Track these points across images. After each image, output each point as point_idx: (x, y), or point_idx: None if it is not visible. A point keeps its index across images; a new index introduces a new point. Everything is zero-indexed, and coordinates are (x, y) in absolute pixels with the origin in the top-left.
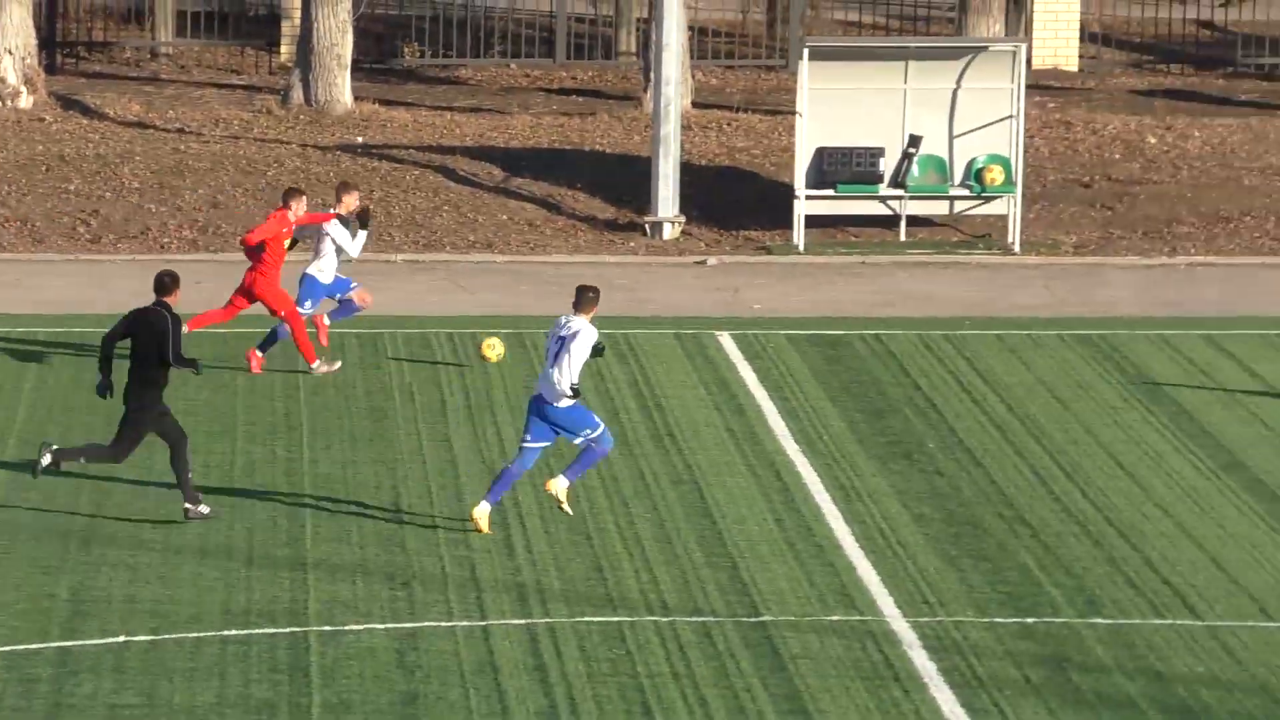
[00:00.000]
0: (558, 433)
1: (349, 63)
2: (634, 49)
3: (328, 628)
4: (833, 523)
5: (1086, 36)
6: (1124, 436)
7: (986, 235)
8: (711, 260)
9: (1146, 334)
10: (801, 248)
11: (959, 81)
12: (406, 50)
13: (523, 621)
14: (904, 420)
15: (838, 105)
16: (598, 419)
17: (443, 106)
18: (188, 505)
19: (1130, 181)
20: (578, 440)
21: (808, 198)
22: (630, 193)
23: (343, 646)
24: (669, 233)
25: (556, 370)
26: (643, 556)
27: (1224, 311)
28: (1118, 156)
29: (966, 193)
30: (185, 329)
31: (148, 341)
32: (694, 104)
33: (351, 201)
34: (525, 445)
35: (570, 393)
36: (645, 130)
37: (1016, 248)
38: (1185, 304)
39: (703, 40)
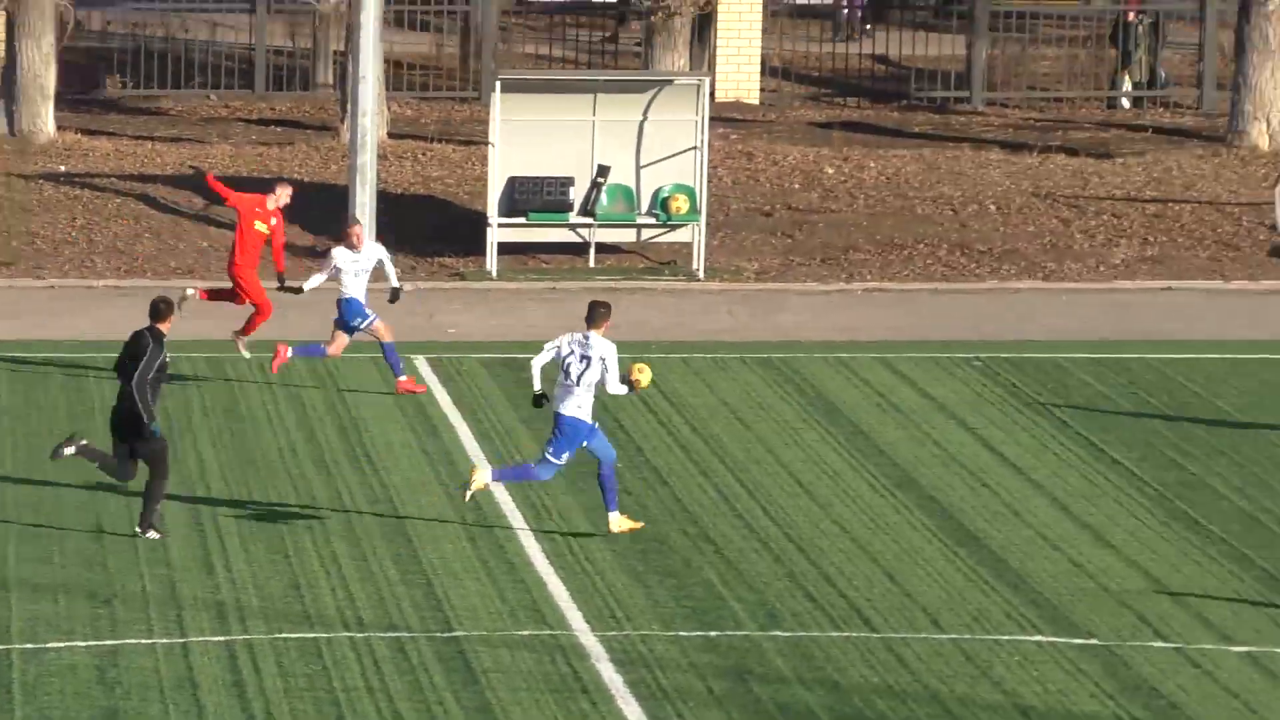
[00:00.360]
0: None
1: (53, 93)
2: (331, 81)
3: (30, 645)
4: (524, 540)
5: (767, 71)
6: (803, 456)
7: (672, 262)
8: (407, 286)
9: (825, 357)
10: (494, 274)
11: (645, 114)
12: (109, 82)
13: (222, 638)
14: None
15: (529, 136)
16: (567, 456)
17: (144, 136)
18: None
19: (809, 210)
20: (582, 443)
21: (500, 225)
22: (328, 220)
23: (44, 664)
24: None
25: (580, 388)
26: (339, 574)
27: (898, 335)
28: (797, 186)
29: (653, 221)
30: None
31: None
32: (390, 134)
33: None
34: (592, 442)
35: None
36: (342, 160)
37: (701, 274)
38: (861, 328)
39: (398, 72)
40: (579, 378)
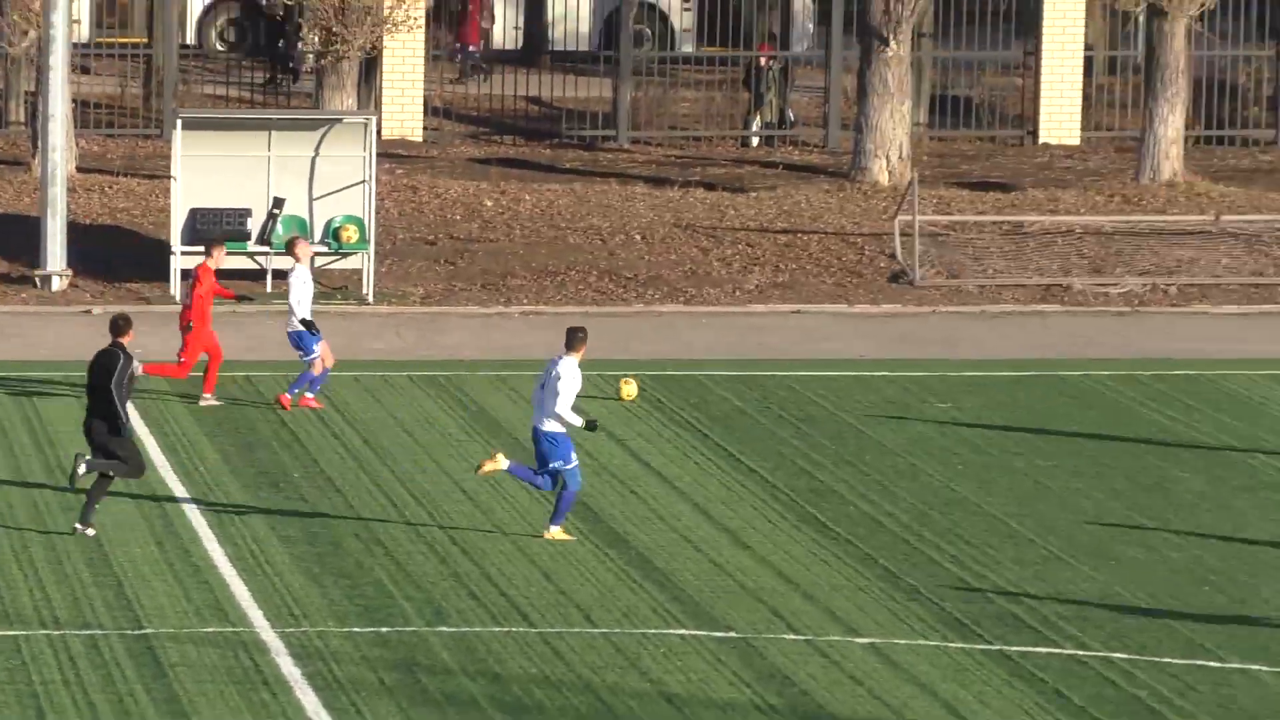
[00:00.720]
0: (541, 457)
1: None
2: (23, 118)
3: None
4: (208, 545)
5: (430, 110)
6: (467, 466)
7: (344, 287)
8: (97, 310)
9: (486, 375)
10: (178, 299)
11: (317, 150)
12: None
13: None
14: (271, 452)
15: (209, 170)
16: (574, 457)
17: None
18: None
19: (470, 239)
20: (553, 464)
21: (183, 253)
22: (22, 249)
23: None
24: (58, 285)
25: (548, 404)
26: (36, 576)
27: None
28: (458, 217)
29: (326, 249)
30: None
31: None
32: (79, 169)
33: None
34: (563, 469)
35: (573, 429)
36: (34, 192)
37: (370, 298)
38: (517, 348)
39: (86, 111)
40: (549, 393)
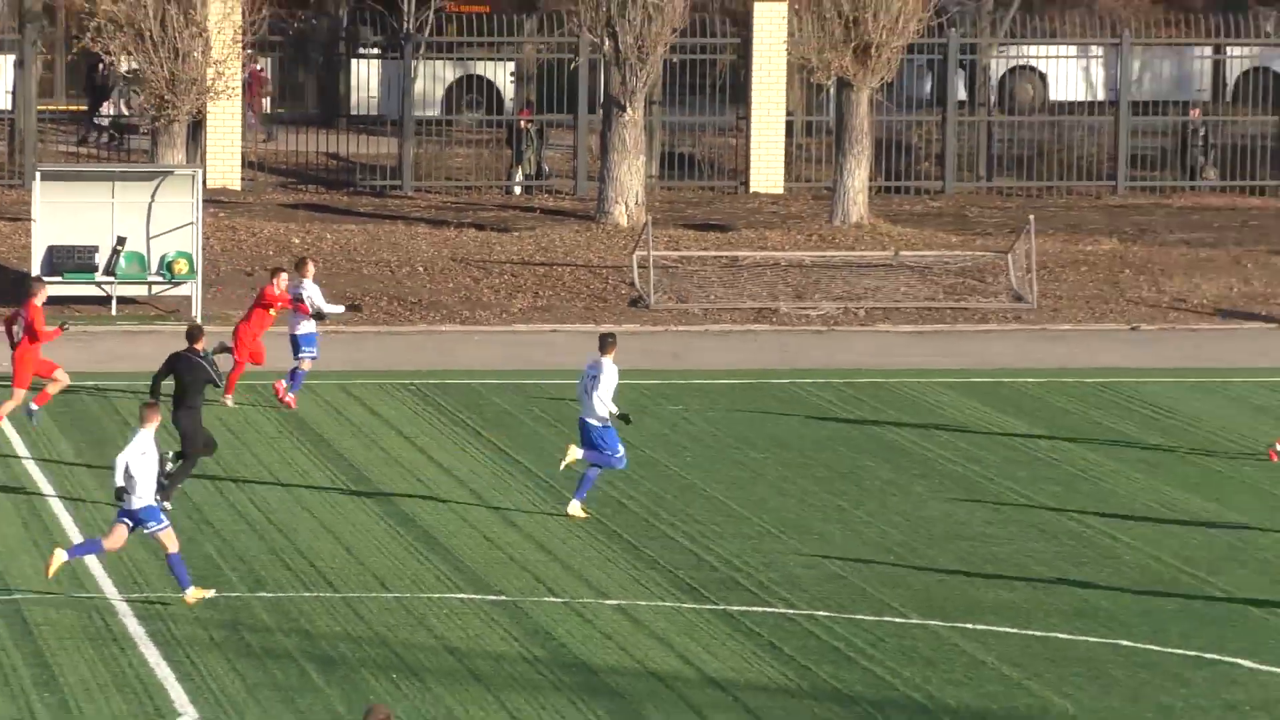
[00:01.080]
0: (594, 445)
1: None
2: None
3: None
4: (66, 526)
5: (246, 164)
6: (279, 459)
7: (176, 311)
8: None
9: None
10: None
11: (153, 196)
12: None
13: None
14: (116, 449)
15: (64, 214)
16: (620, 444)
17: None
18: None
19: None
20: (606, 453)
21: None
22: None
23: None
24: None
25: (594, 399)
26: None
27: (354, 367)
28: (271, 252)
29: (161, 279)
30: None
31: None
32: None
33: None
34: (610, 455)
35: (614, 418)
36: None
37: (199, 319)
38: (327, 361)
39: None
40: (593, 392)
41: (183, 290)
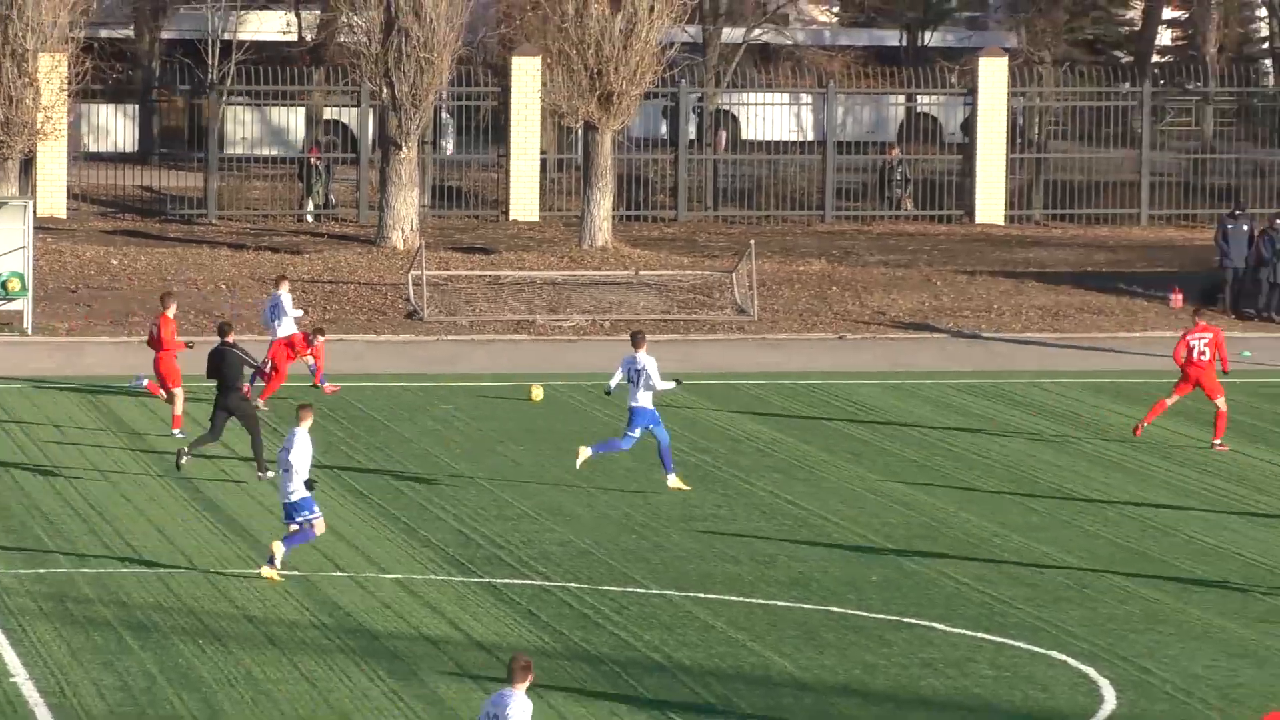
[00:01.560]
0: (647, 427)
1: None
2: None
3: None
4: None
5: (71, 195)
6: (102, 454)
7: (10, 323)
8: None
9: (119, 386)
10: None
11: None
12: None
13: None
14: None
15: None
16: (640, 431)
17: None
18: (259, 473)
19: (101, 288)
20: (651, 426)
21: None
22: None
23: None
24: None
25: (641, 389)
26: None
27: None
28: (93, 272)
29: None
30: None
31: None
32: None
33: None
34: (655, 428)
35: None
36: None
37: (30, 331)
38: (142, 368)
39: None
40: (639, 382)
41: (15, 305)
